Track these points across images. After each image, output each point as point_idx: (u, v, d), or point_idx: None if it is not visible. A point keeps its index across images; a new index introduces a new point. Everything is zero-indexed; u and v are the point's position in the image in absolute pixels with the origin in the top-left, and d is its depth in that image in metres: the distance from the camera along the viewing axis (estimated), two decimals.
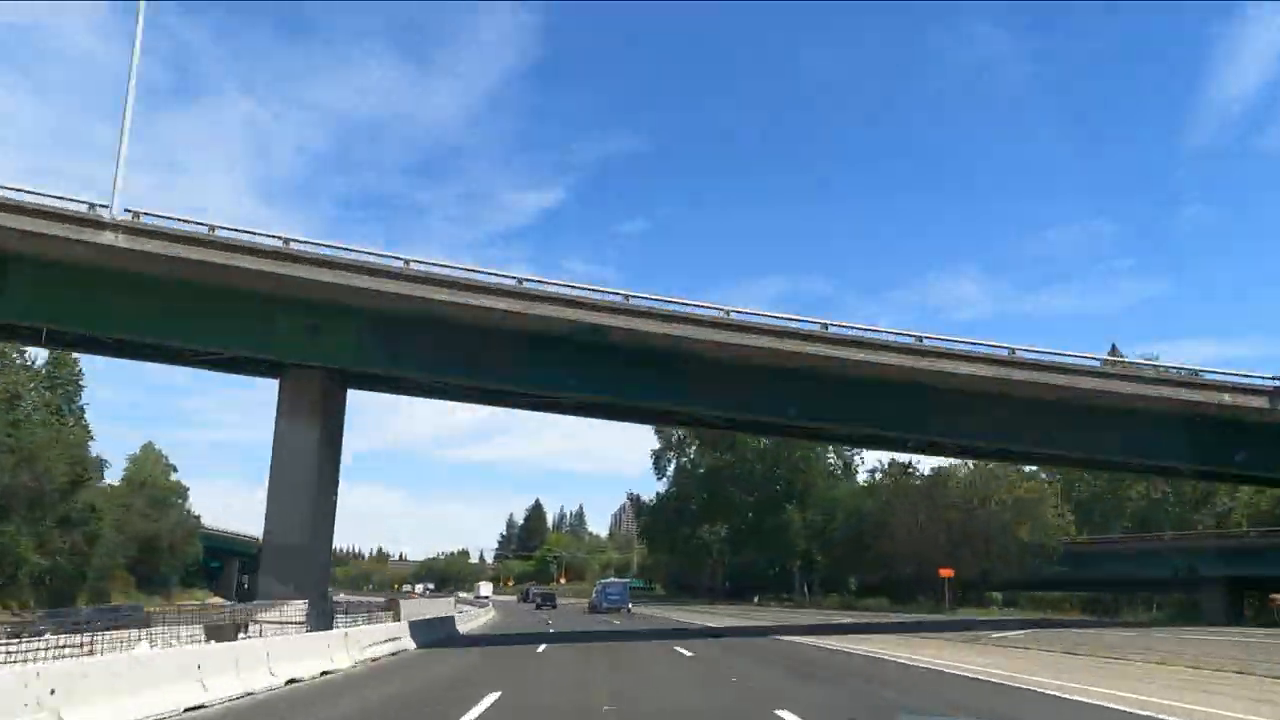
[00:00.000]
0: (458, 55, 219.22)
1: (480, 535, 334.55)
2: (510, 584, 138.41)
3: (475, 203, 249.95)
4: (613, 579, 72.55)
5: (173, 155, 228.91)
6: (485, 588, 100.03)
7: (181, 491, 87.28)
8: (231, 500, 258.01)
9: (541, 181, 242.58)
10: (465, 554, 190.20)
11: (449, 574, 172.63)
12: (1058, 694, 12.29)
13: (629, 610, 56.64)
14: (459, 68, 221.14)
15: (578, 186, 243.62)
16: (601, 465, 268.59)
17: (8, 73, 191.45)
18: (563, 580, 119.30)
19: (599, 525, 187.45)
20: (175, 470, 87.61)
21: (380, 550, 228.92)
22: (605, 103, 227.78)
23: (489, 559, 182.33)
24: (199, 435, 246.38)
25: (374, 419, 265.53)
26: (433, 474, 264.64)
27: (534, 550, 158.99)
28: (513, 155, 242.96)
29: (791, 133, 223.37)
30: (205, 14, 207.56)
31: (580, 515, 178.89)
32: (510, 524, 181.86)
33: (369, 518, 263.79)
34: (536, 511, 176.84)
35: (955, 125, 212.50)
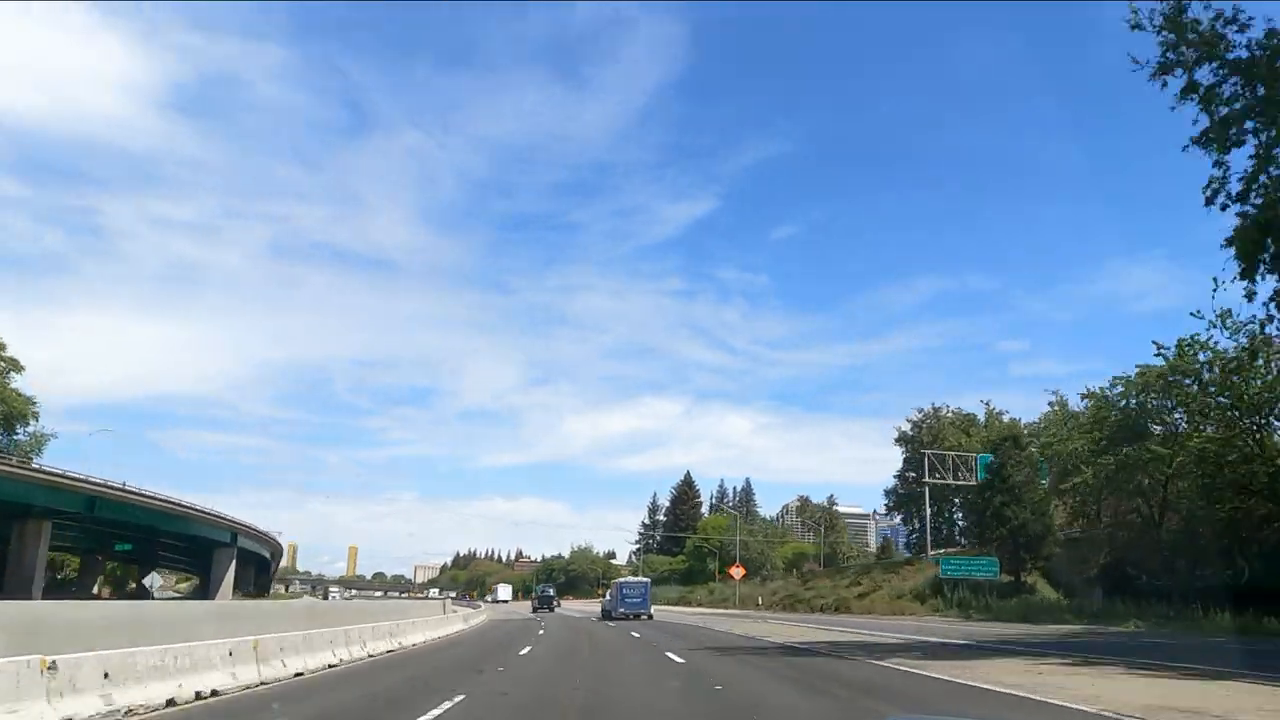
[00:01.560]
0: (607, 73, 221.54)
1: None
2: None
3: (627, 216, 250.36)
4: (631, 578, 61.09)
5: (349, 188, 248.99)
6: (504, 591, 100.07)
7: None
8: None
9: (692, 191, 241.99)
10: (611, 555, 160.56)
11: (577, 575, 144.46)
12: None
13: (649, 616, 47.59)
14: (608, 85, 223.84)
15: (728, 194, 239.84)
16: (764, 474, 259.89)
17: (203, 119, 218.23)
18: (736, 574, 71.36)
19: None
20: None
21: (519, 553, 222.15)
22: (753, 109, 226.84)
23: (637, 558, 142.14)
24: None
25: (536, 432, 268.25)
26: (589, 483, 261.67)
27: (685, 537, 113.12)
28: (663, 167, 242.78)
29: (947, 128, 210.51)
30: (375, 52, 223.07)
31: (747, 493, 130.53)
32: (653, 508, 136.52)
33: (531, 526, 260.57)
34: (686, 491, 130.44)
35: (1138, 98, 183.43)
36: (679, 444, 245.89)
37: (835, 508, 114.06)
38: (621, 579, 59.67)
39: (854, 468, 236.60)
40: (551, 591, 78.06)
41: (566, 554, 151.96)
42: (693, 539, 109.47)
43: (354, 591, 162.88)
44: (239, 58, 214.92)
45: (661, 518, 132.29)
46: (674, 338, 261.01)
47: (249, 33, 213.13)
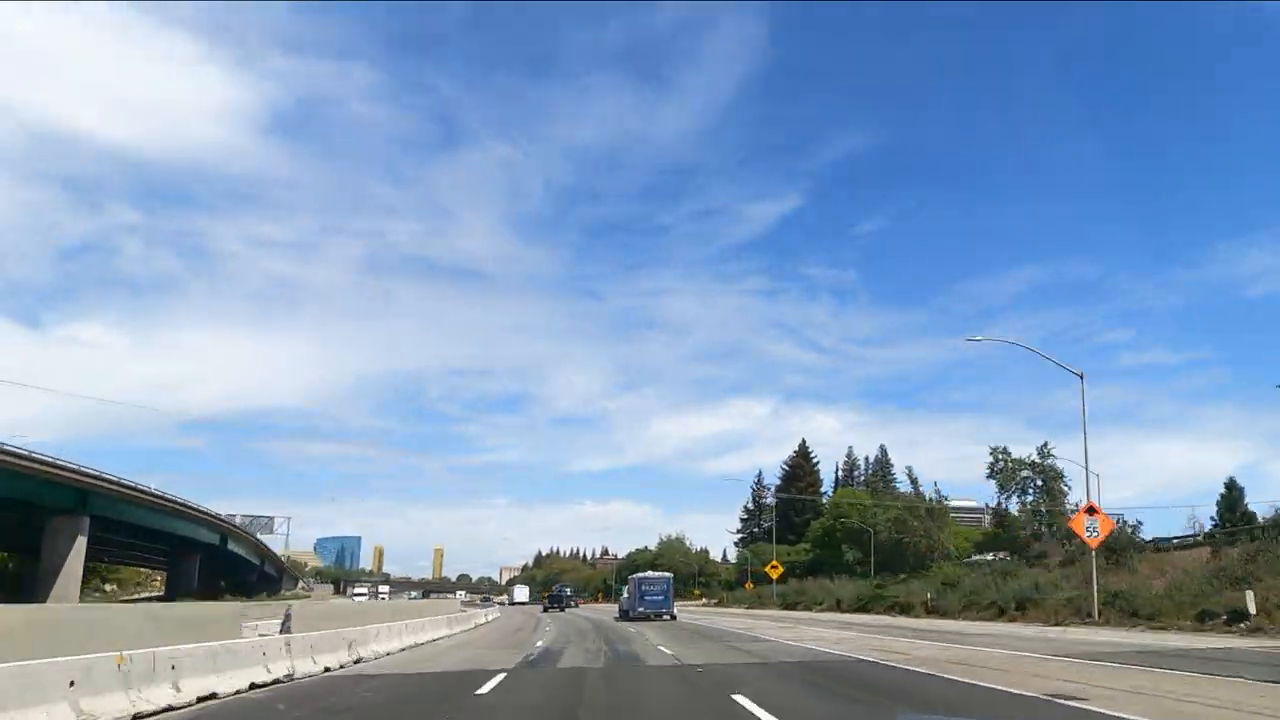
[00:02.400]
0: (688, 73, 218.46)
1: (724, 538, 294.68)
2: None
3: (712, 217, 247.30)
4: (651, 573, 52.42)
5: (439, 201, 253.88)
6: (520, 592, 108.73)
7: None
8: None
9: (775, 189, 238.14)
10: (705, 552, 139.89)
11: (665, 569, 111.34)
12: None
13: (671, 616, 44.35)
14: (690, 85, 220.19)
15: (813, 190, 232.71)
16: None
17: (299, 141, 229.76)
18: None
19: None
20: None
21: (604, 550, 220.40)
22: (836, 102, 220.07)
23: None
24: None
25: (625, 436, 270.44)
26: (678, 486, 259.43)
27: (806, 519, 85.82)
28: (747, 165, 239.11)
29: (1041, 110, 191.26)
30: (461, 66, 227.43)
31: (883, 463, 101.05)
32: (758, 488, 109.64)
33: (622, 529, 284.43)
34: (801, 464, 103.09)
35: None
36: (766, 445, 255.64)
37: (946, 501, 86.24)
38: (641, 574, 52.55)
39: (950, 466, 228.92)
40: (568, 591, 77.62)
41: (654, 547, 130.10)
42: (820, 523, 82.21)
43: (386, 591, 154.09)
44: (332, 78, 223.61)
45: (770, 500, 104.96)
46: (760, 338, 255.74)
47: (341, 53, 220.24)
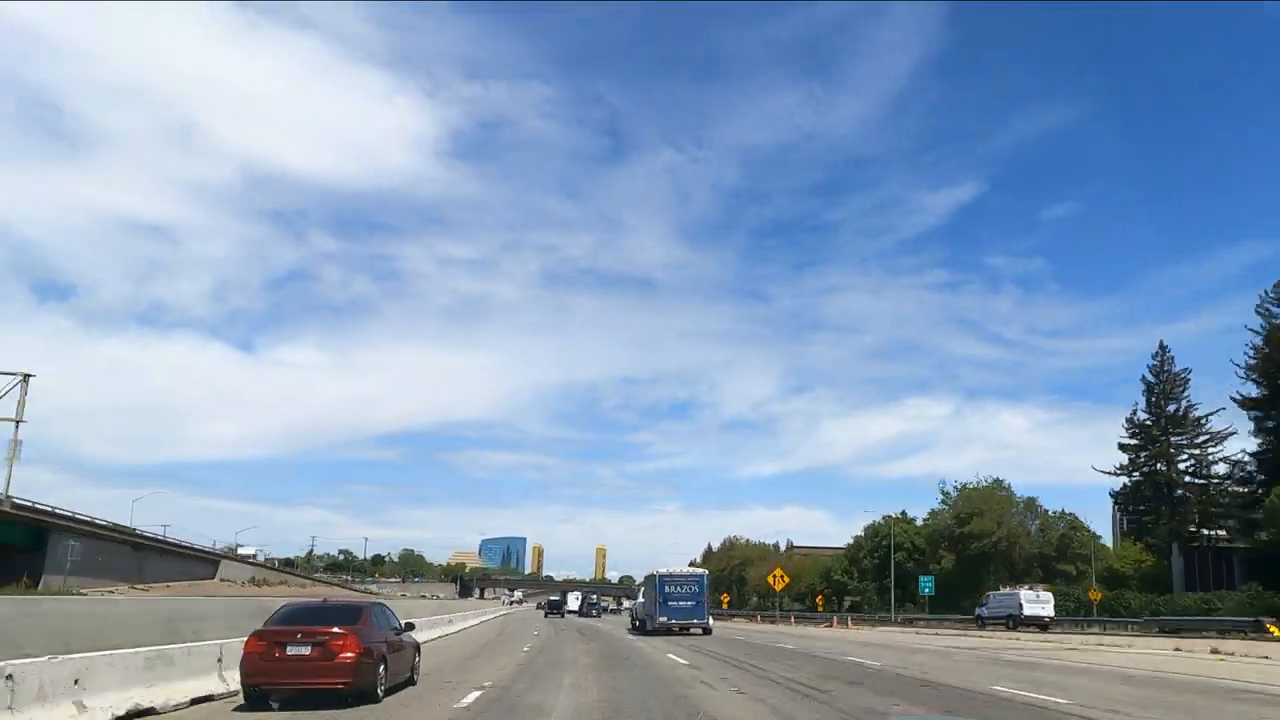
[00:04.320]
0: (858, 64, 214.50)
1: None
2: None
3: (885, 211, 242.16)
4: (677, 568, 37.87)
5: (611, 213, 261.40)
6: (572, 600, 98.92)
7: None
8: None
9: (953, 177, 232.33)
10: None
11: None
12: None
13: (706, 629, 34.26)
14: (860, 76, 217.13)
15: (994, 176, 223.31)
16: (1046, 476, 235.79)
17: (479, 162, 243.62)
18: None
19: None
20: None
21: (790, 544, 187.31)
22: (1018, 83, 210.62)
23: None
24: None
25: (795, 440, 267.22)
26: (852, 491, 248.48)
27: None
28: (921, 155, 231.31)
29: (1244, 80, 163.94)
30: (629, 76, 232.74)
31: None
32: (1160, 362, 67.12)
33: (795, 533, 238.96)
34: (1168, 385, 59.30)
35: None
36: (948, 447, 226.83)
37: None
38: (661, 571, 35.83)
39: None
40: (594, 597, 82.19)
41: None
42: None
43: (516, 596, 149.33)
44: (508, 99, 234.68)
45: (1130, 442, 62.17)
46: (939, 333, 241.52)
47: (517, 73, 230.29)
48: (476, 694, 13.06)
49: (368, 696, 11.60)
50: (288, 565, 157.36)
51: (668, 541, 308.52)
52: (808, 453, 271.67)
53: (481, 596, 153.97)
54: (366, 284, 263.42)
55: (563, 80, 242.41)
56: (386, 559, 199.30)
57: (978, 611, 51.19)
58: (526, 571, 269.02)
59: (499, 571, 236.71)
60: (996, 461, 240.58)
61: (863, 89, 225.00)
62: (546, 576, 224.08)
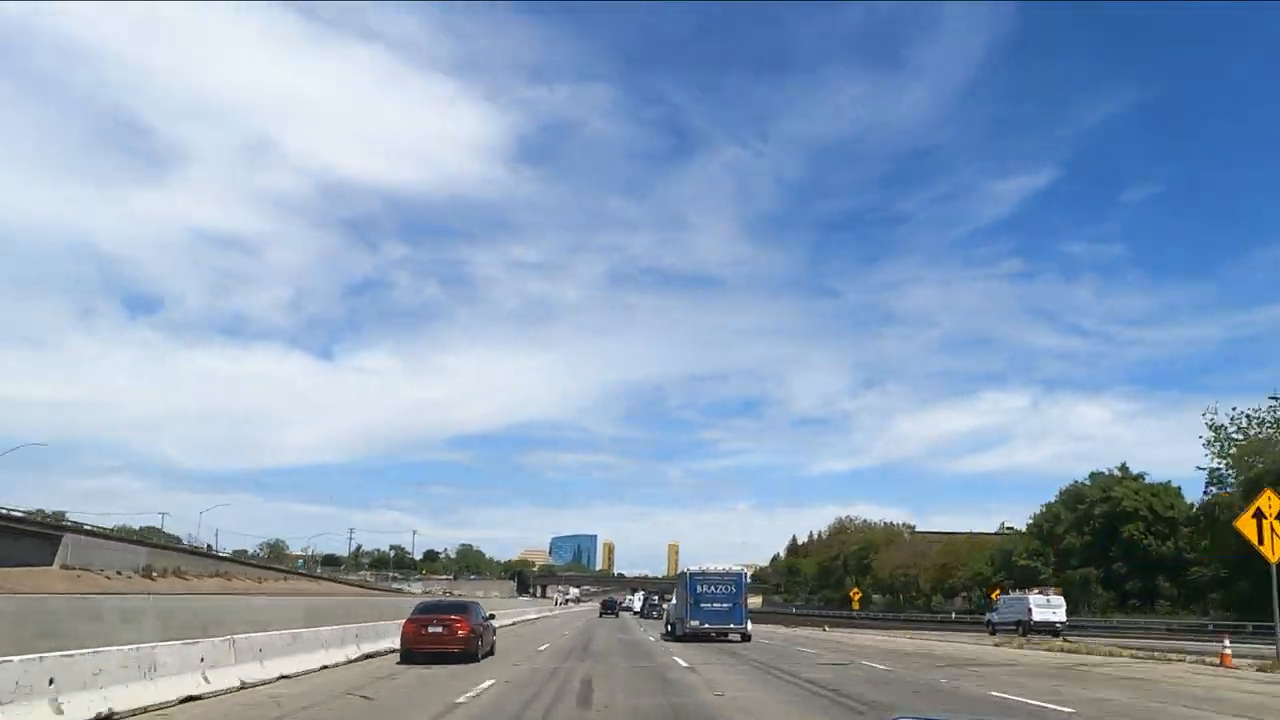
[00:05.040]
0: (925, 50, 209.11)
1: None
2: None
3: (955, 201, 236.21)
4: (710, 567, 33.86)
5: (674, 211, 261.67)
6: (637, 599, 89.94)
7: None
8: None
9: (1026, 163, 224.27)
10: None
11: None
12: None
13: (745, 635, 31.94)
14: (928, 63, 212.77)
15: (1069, 160, 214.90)
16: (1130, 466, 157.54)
17: (544, 165, 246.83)
18: None
19: None
20: None
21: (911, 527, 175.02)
22: (1095, 61, 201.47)
23: None
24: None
25: (866, 436, 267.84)
26: (926, 488, 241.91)
27: None
28: (992, 142, 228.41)
29: None
30: (692, 72, 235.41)
31: None
32: None
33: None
34: None
35: None
36: (1025, 440, 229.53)
37: None
38: (693, 568, 33.42)
39: None
40: (655, 598, 76.35)
41: None
42: None
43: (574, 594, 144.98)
44: (571, 101, 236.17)
45: None
46: (1013, 324, 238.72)
47: (580, 75, 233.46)
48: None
49: (471, 658, 20.22)
50: (331, 562, 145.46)
51: (739, 539, 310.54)
52: (880, 449, 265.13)
53: (542, 595, 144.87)
54: (437, 289, 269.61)
55: (624, 80, 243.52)
56: (443, 555, 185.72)
57: (988, 617, 47.37)
58: (597, 569, 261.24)
59: (565, 568, 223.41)
60: (1076, 454, 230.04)
61: (930, 76, 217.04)
62: (618, 574, 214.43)
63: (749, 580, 34.29)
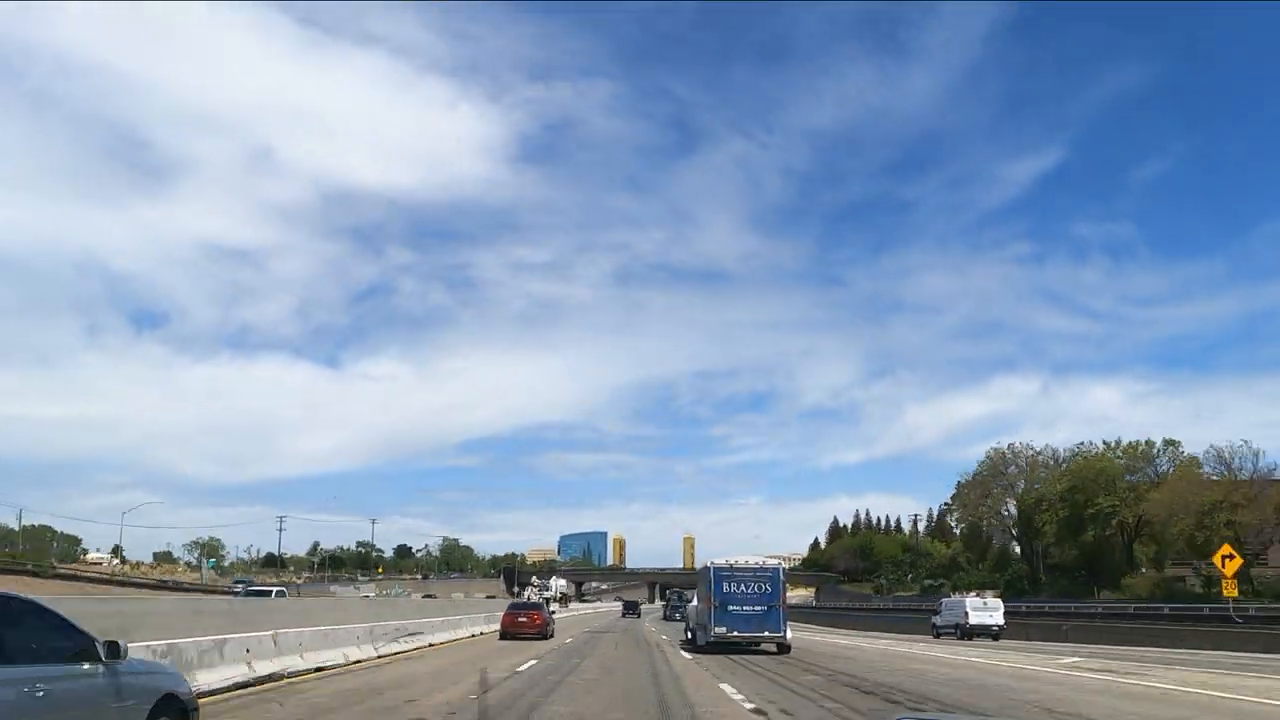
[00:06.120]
0: (929, 33, 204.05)
1: None
2: None
3: (963, 185, 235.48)
4: (739, 561, 27.43)
5: (680, 207, 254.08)
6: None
7: None
8: None
9: (1034, 144, 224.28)
10: None
11: None
12: None
13: (784, 644, 25.78)
14: (932, 46, 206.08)
15: (1077, 140, 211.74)
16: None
17: (547, 165, 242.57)
18: None
19: None
20: None
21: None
22: (1101, 37, 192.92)
23: None
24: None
25: (877, 426, 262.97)
26: (939, 476, 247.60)
27: None
28: (999, 124, 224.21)
29: None
30: (695, 66, 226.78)
31: None
32: None
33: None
34: None
35: None
36: (1035, 425, 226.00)
37: None
38: (717, 563, 26.94)
39: (1265, 431, 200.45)
40: (677, 597, 66.93)
41: None
42: None
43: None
44: (573, 99, 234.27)
45: None
46: (1024, 308, 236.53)
47: (580, 71, 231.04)
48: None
49: (547, 637, 30.89)
50: (272, 562, 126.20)
51: (750, 534, 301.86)
52: (891, 438, 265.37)
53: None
54: (443, 294, 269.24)
55: (626, 75, 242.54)
56: (423, 550, 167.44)
57: (933, 620, 46.57)
58: (608, 564, 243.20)
59: (567, 563, 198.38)
60: (1090, 438, 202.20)
61: (935, 60, 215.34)
62: (629, 569, 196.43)
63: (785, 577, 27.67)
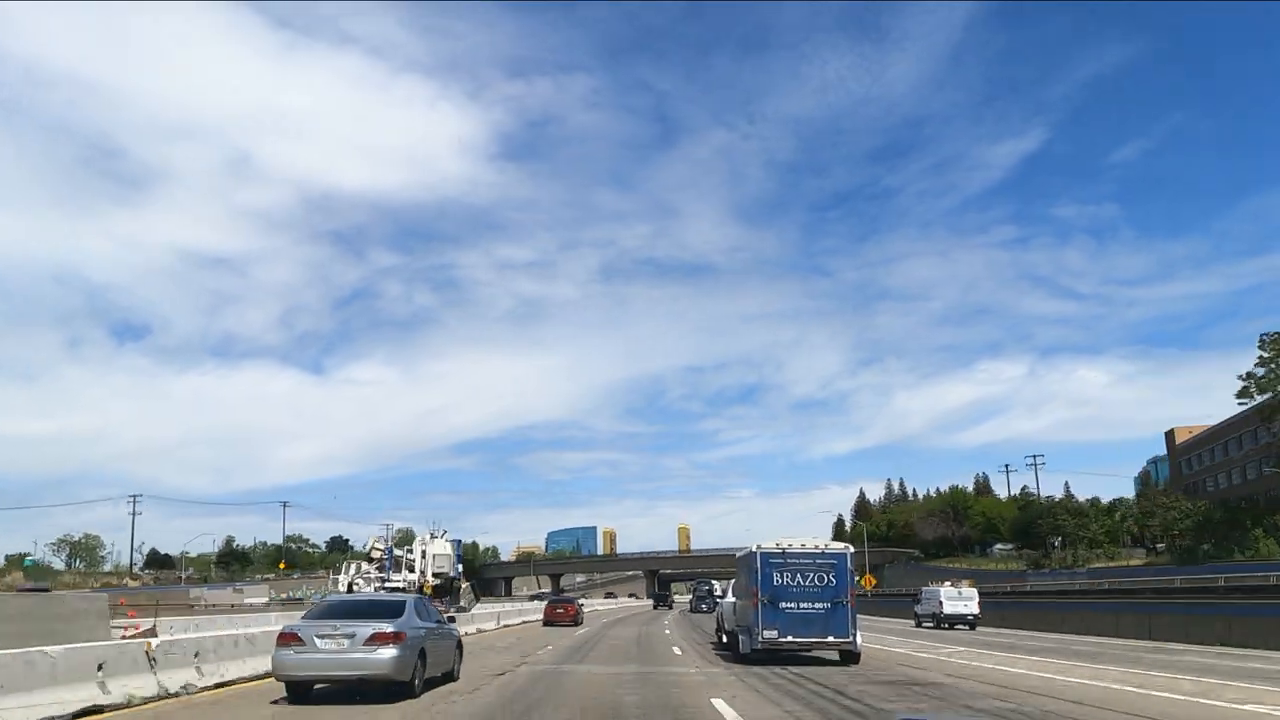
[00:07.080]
0: (909, 18, 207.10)
1: None
2: None
3: (945, 170, 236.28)
4: (793, 543, 20.56)
5: (664, 201, 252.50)
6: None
7: None
8: None
9: (1016, 127, 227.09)
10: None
11: None
12: None
13: (851, 650, 19.91)
14: (912, 31, 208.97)
15: (1058, 122, 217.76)
16: (1131, 430, 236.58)
17: (529, 162, 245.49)
18: None
19: None
20: None
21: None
22: (1077, 21, 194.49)
23: None
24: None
25: (867, 415, 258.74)
26: (928, 462, 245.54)
27: None
28: (981, 108, 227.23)
29: None
30: (675, 58, 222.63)
31: None
32: None
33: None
34: None
35: None
36: (1024, 409, 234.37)
37: None
38: (766, 546, 20.60)
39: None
40: (704, 588, 68.10)
41: None
42: None
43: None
44: (553, 95, 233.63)
45: None
46: (1009, 292, 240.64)
47: (560, 66, 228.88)
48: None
49: (580, 624, 43.19)
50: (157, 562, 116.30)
51: (743, 528, 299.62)
52: (881, 426, 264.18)
53: (507, 594, 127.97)
54: (427, 295, 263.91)
55: (606, 69, 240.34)
56: (368, 545, 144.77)
57: (915, 609, 46.99)
58: (599, 555, 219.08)
59: (552, 557, 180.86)
60: (1077, 420, 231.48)
61: (916, 46, 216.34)
62: (622, 557, 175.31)
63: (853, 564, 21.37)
